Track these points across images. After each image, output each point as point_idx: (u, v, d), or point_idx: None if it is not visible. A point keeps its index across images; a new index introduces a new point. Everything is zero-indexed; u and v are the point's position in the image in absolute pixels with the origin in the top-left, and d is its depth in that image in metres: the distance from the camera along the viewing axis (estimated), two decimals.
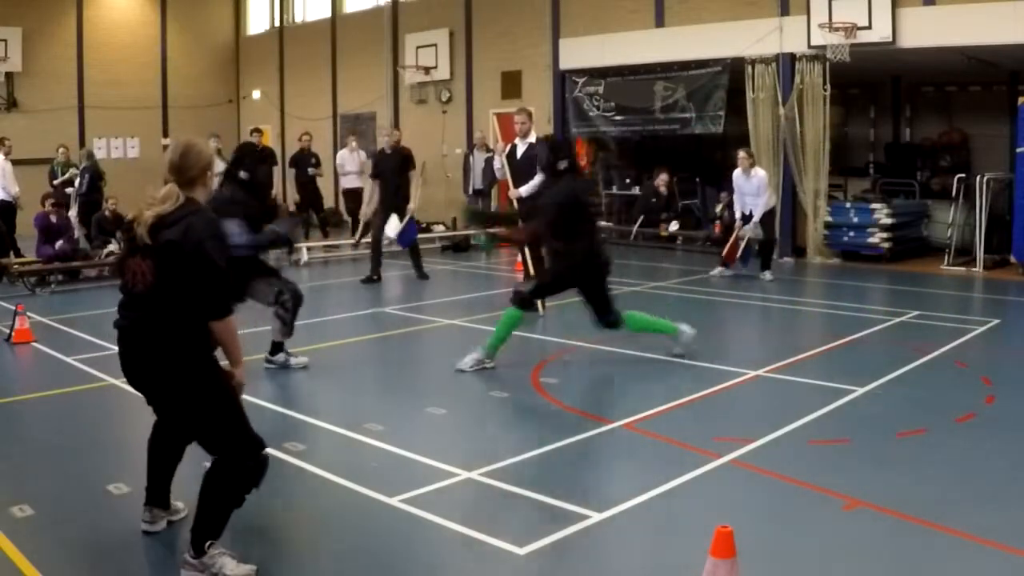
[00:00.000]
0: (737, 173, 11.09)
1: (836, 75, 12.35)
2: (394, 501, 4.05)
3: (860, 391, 5.83)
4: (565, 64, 15.63)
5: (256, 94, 22.10)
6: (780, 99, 12.79)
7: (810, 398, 5.78)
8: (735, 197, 11.30)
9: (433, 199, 17.17)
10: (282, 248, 6.78)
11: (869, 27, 11.65)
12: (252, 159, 6.61)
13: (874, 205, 12.45)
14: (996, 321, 8.31)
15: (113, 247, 11.18)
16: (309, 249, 13.54)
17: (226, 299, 3.30)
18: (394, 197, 10.85)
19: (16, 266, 10.94)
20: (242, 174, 6.33)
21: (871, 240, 12.41)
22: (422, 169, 16.96)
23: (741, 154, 11.12)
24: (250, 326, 7.91)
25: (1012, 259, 11.53)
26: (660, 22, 14.32)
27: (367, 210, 11.55)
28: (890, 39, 11.58)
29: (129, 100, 20.07)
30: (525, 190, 8.61)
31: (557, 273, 6.72)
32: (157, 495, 3.73)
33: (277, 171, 15.01)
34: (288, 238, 6.43)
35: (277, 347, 6.60)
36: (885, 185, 14.13)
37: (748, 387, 6.13)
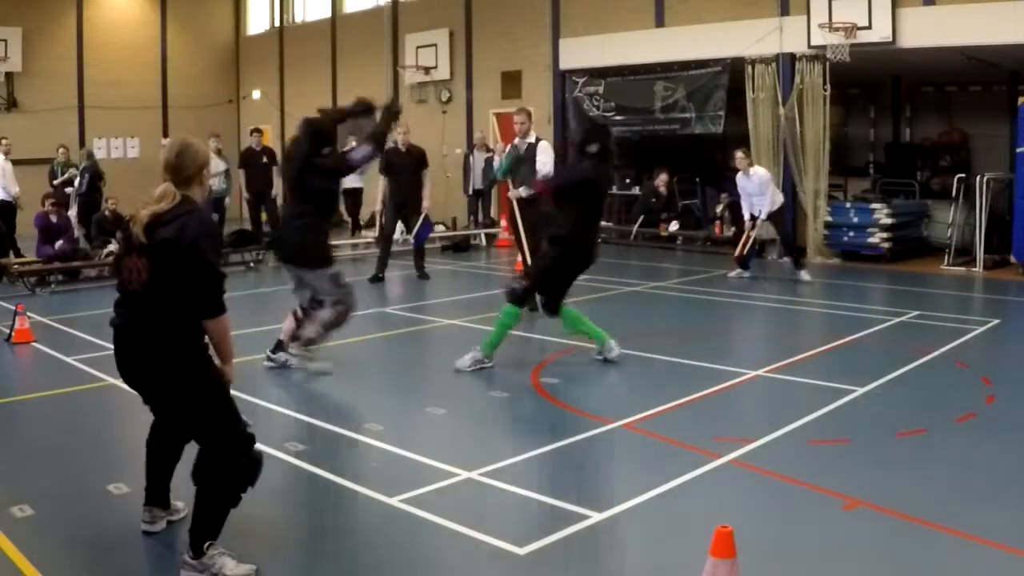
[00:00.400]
0: (739, 175, 11.09)
1: (836, 75, 12.35)
2: (394, 501, 4.05)
3: (860, 391, 5.83)
4: (565, 64, 15.63)
5: (256, 94, 22.09)
6: (780, 99, 12.79)
7: (810, 398, 5.78)
8: (742, 199, 11.28)
9: (433, 199, 17.15)
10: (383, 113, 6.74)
11: (869, 27, 11.65)
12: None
13: (874, 205, 12.45)
14: (996, 321, 8.31)
15: (113, 247, 11.17)
16: None
17: (220, 297, 3.33)
18: (407, 195, 10.84)
19: (16, 266, 10.94)
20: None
21: (871, 240, 12.41)
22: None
23: (739, 155, 11.13)
24: (254, 325, 7.92)
25: (1012, 259, 11.53)
26: (660, 22, 14.32)
27: (378, 207, 11.54)
28: (890, 39, 11.58)
29: (129, 100, 20.07)
30: (527, 190, 8.60)
31: (551, 264, 6.59)
32: (156, 495, 3.73)
33: (277, 171, 14.96)
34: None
35: (280, 346, 6.59)
36: (885, 185, 14.13)
37: (748, 387, 6.12)
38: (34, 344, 7.45)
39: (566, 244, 6.51)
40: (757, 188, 10.91)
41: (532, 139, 8.85)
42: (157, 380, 3.36)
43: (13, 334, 7.50)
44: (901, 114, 15.26)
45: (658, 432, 5.08)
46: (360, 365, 7.33)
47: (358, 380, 6.69)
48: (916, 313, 8.64)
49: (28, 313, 7.85)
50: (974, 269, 11.63)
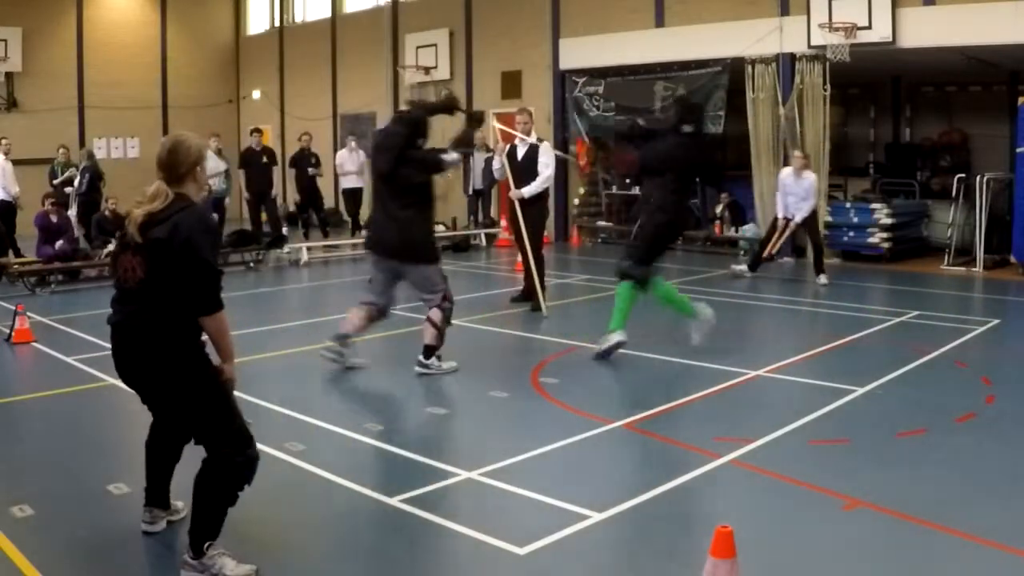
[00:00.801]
0: (787, 172, 10.96)
1: (836, 75, 12.35)
2: (394, 501, 4.05)
3: (860, 391, 5.83)
4: (565, 64, 15.63)
5: (256, 94, 22.10)
6: (780, 99, 12.79)
7: (810, 398, 5.78)
8: (778, 196, 11.20)
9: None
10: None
11: (869, 27, 11.65)
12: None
13: (874, 205, 12.45)
14: (996, 321, 8.31)
15: (113, 247, 11.17)
16: (309, 249, 13.55)
17: (217, 294, 3.31)
18: None
19: (16, 266, 10.94)
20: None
21: (871, 240, 12.41)
22: None
23: (796, 154, 11.05)
24: (254, 325, 7.92)
25: (1012, 259, 11.53)
26: (660, 22, 14.32)
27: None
28: (890, 39, 11.58)
29: (129, 100, 20.08)
30: (528, 191, 8.59)
31: (653, 238, 6.89)
32: (156, 495, 3.73)
33: (277, 171, 14.99)
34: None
35: (429, 350, 6.40)
36: (885, 185, 14.13)
37: (748, 387, 6.13)
38: (34, 344, 7.45)
39: (665, 216, 6.81)
40: (803, 192, 10.79)
41: (534, 139, 8.86)
42: (153, 377, 3.36)
43: (13, 334, 7.50)
44: (901, 114, 15.26)
45: (658, 432, 5.08)
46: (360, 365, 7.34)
47: (358, 380, 6.69)
48: (916, 313, 8.64)
49: (28, 313, 7.85)
50: (974, 269, 11.63)
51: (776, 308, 9.53)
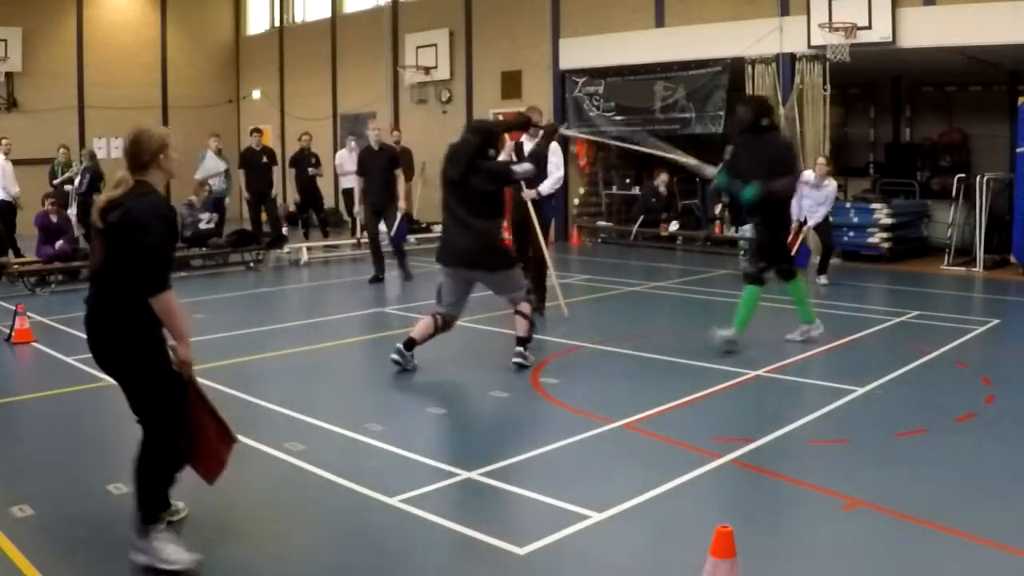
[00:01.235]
0: (809, 176, 10.76)
1: (836, 75, 12.36)
2: (394, 501, 4.05)
3: (860, 391, 5.83)
4: (565, 64, 15.63)
5: (256, 94, 22.09)
6: (780, 99, 12.79)
7: (810, 398, 5.79)
8: (794, 201, 11.13)
9: (433, 199, 17.13)
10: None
11: (869, 27, 11.65)
12: None
13: (874, 205, 12.45)
14: (996, 321, 8.32)
15: None
16: (309, 249, 13.55)
17: (159, 275, 3.40)
18: (380, 196, 10.76)
19: (16, 266, 10.94)
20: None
21: (871, 240, 12.41)
22: (422, 169, 17.07)
23: (821, 160, 10.91)
24: (255, 325, 7.92)
25: (1012, 259, 11.53)
26: (660, 22, 14.32)
27: (358, 208, 11.45)
28: (890, 39, 11.58)
29: (129, 100, 20.04)
30: (544, 188, 8.49)
31: (770, 236, 7.16)
32: None
33: (277, 171, 14.98)
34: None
35: (523, 341, 6.61)
36: (885, 185, 14.13)
37: (748, 387, 6.12)
38: (34, 344, 7.45)
39: (773, 213, 7.06)
40: (822, 197, 10.71)
41: (540, 136, 8.80)
42: (113, 356, 3.50)
43: (13, 334, 7.50)
44: (901, 114, 15.26)
45: (658, 432, 5.08)
46: (360, 365, 7.34)
47: (358, 380, 6.69)
48: (916, 313, 8.65)
49: (28, 313, 7.85)
50: (974, 269, 11.63)
51: (776, 308, 9.53)
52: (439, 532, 3.78)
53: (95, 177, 13.97)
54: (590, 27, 15.22)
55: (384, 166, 10.86)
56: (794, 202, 11.06)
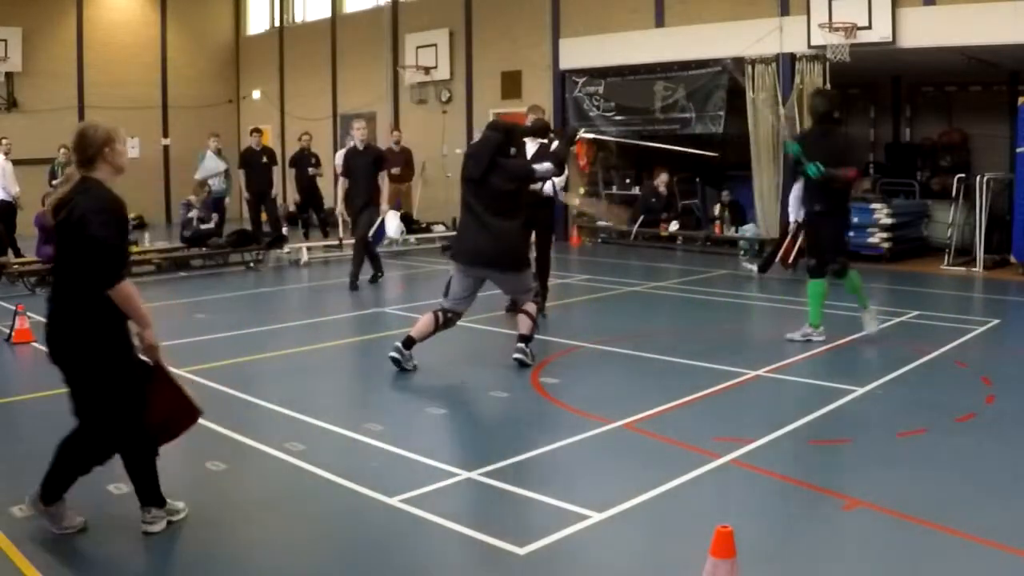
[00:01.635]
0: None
1: (836, 75, 12.35)
2: (394, 501, 4.05)
3: (860, 391, 5.83)
4: (565, 64, 15.63)
5: (256, 94, 22.09)
6: (780, 99, 12.79)
7: (810, 398, 5.78)
8: (792, 200, 11.11)
9: (433, 199, 17.18)
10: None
11: (869, 27, 11.65)
12: None
13: (874, 205, 12.44)
14: (996, 321, 8.32)
15: None
16: (309, 249, 13.55)
17: (111, 269, 3.42)
18: (363, 195, 10.64)
19: (16, 266, 10.94)
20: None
21: (871, 240, 12.41)
22: (422, 169, 17.07)
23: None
24: (255, 325, 7.91)
25: (1012, 259, 11.52)
26: (660, 22, 14.33)
27: (341, 208, 11.27)
28: (890, 39, 11.58)
29: (129, 100, 20.05)
30: (559, 181, 8.44)
31: (836, 231, 7.35)
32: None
33: (277, 171, 14.98)
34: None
35: (525, 339, 6.66)
36: (885, 185, 14.12)
37: (748, 387, 6.12)
38: (34, 344, 7.44)
39: (838, 207, 7.22)
40: None
41: (562, 142, 8.78)
42: (69, 352, 3.52)
43: (13, 334, 7.50)
44: (901, 114, 15.26)
45: (658, 432, 5.08)
46: (360, 365, 7.34)
47: (358, 380, 6.69)
48: (916, 313, 8.65)
49: (28, 313, 7.83)
50: (974, 269, 11.63)
51: (776, 308, 9.53)
52: (439, 532, 3.78)
53: None
54: (590, 27, 15.22)
55: (367, 166, 10.71)
56: (792, 202, 11.09)
